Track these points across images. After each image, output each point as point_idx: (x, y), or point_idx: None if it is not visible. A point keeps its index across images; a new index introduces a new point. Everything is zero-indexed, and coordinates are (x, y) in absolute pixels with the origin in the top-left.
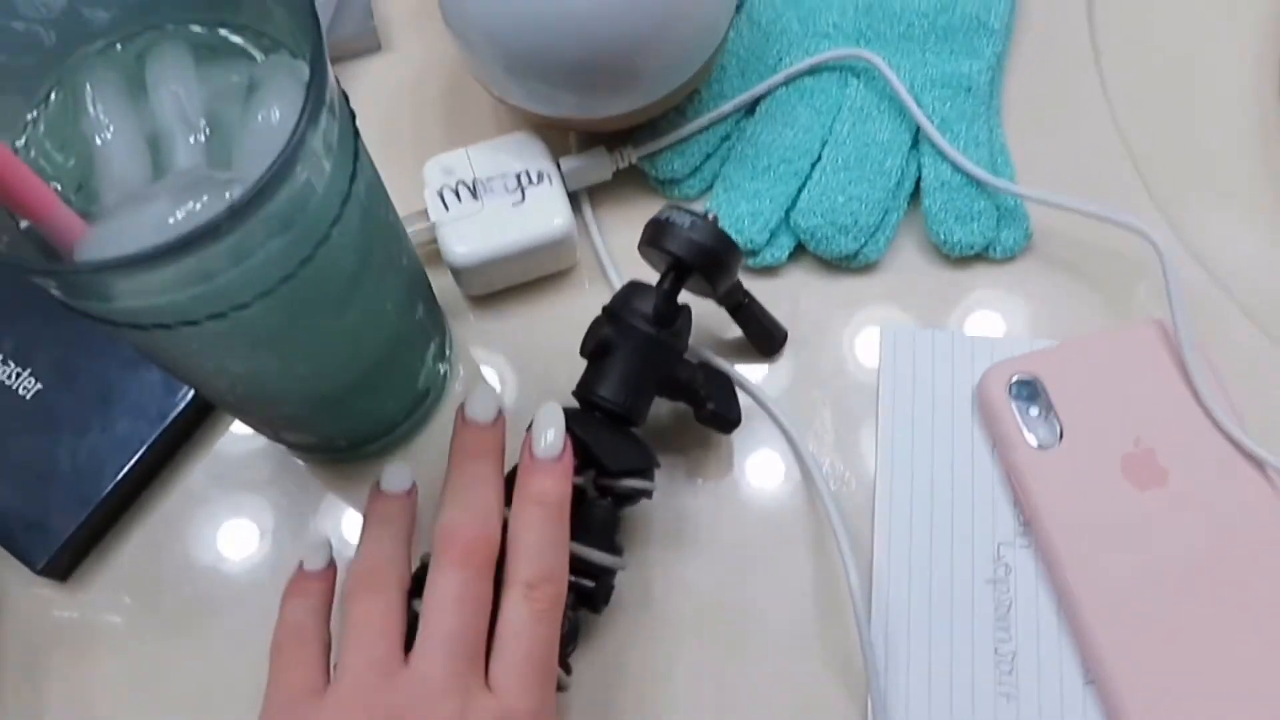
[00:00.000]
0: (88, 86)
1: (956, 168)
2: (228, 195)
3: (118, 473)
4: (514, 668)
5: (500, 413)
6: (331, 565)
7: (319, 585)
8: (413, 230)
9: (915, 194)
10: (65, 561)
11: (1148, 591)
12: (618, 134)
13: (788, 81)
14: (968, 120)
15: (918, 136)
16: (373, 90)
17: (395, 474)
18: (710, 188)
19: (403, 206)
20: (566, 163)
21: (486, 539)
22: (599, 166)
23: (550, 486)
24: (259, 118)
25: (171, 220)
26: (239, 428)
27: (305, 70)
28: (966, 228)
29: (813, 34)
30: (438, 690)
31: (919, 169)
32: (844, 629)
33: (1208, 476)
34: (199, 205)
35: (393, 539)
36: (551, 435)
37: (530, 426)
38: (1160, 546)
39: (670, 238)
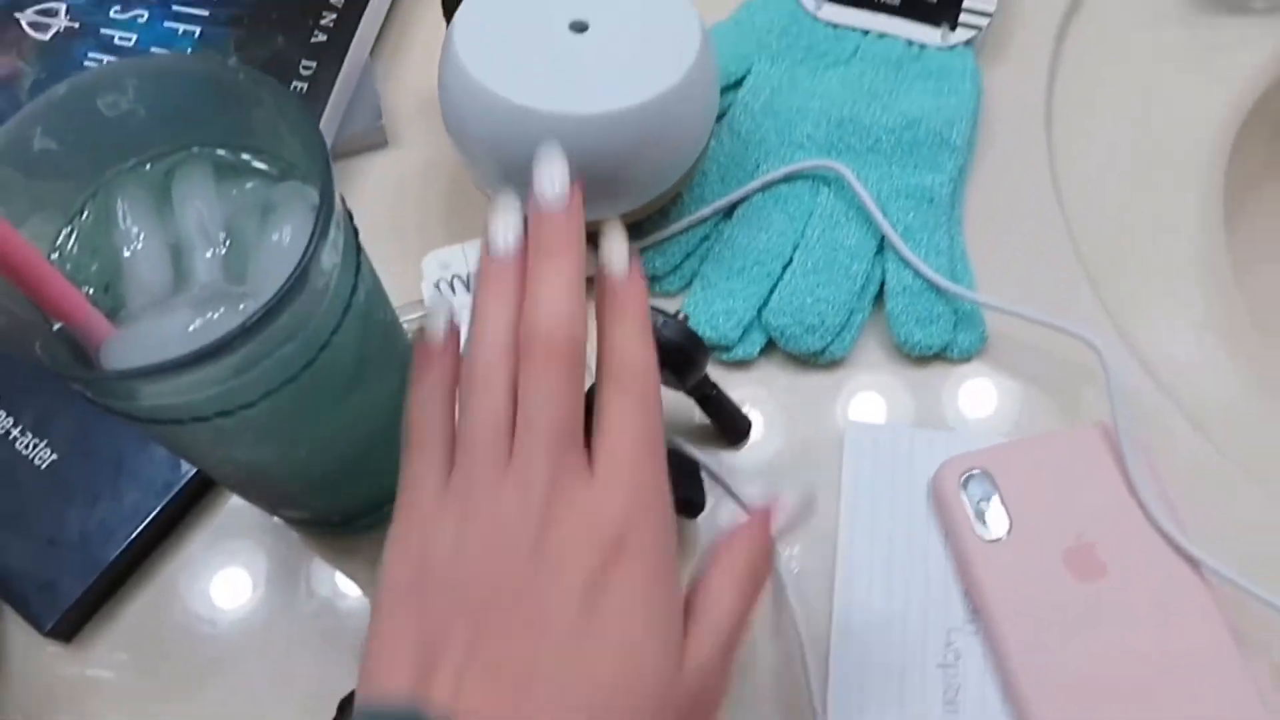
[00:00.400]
0: (120, 201)
1: (918, 274)
2: (241, 307)
3: (125, 540)
4: (621, 454)
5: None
6: (452, 333)
7: (441, 359)
8: (410, 319)
9: (880, 296)
10: (71, 623)
11: (1087, 679)
12: None
13: (764, 188)
14: (930, 229)
15: (883, 243)
16: (379, 184)
17: (500, 228)
18: (689, 284)
19: (402, 294)
20: None
21: (570, 334)
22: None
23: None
24: (273, 238)
25: (191, 328)
26: (238, 501)
27: (316, 196)
28: (926, 330)
29: (788, 144)
30: (542, 482)
31: (883, 273)
32: (799, 710)
33: (1144, 573)
34: (216, 316)
35: (503, 325)
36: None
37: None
38: (1099, 637)
39: None
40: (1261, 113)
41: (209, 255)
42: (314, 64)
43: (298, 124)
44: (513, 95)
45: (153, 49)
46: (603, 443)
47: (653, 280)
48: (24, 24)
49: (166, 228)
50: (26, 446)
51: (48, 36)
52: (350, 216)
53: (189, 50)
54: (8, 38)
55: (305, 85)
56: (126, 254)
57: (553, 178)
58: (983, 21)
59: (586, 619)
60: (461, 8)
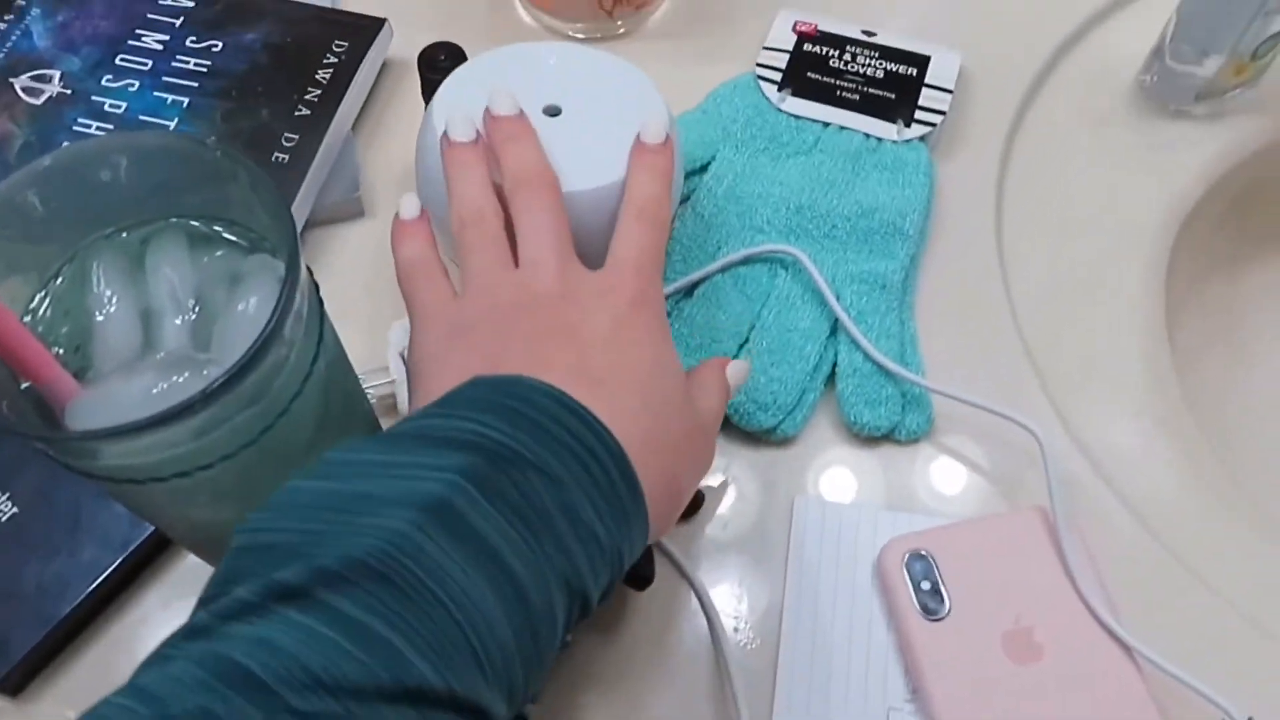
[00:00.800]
0: (95, 266)
1: (868, 357)
2: (205, 373)
3: (79, 595)
4: (629, 260)
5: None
6: (424, 213)
7: (421, 227)
8: (375, 384)
9: (831, 377)
10: (20, 676)
11: None
12: None
13: (724, 269)
14: (881, 314)
15: (836, 326)
16: (354, 253)
17: (459, 123)
18: None
19: (369, 360)
20: None
21: (549, 174)
22: None
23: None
24: (239, 307)
25: (155, 391)
26: (195, 559)
27: (283, 269)
28: (875, 411)
29: (749, 228)
30: (553, 268)
31: (835, 355)
32: None
33: (1079, 656)
34: (180, 380)
35: (479, 181)
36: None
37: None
38: (1034, 719)
39: None
40: (1203, 212)
41: (178, 322)
42: (296, 136)
43: (270, 201)
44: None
45: (141, 117)
46: (616, 250)
47: None
48: (18, 88)
49: (138, 293)
50: None
51: (40, 101)
52: (316, 288)
53: (176, 119)
54: (2, 100)
55: (286, 157)
56: (98, 317)
57: (503, 100)
58: (937, 119)
59: (617, 336)
60: (440, 89)
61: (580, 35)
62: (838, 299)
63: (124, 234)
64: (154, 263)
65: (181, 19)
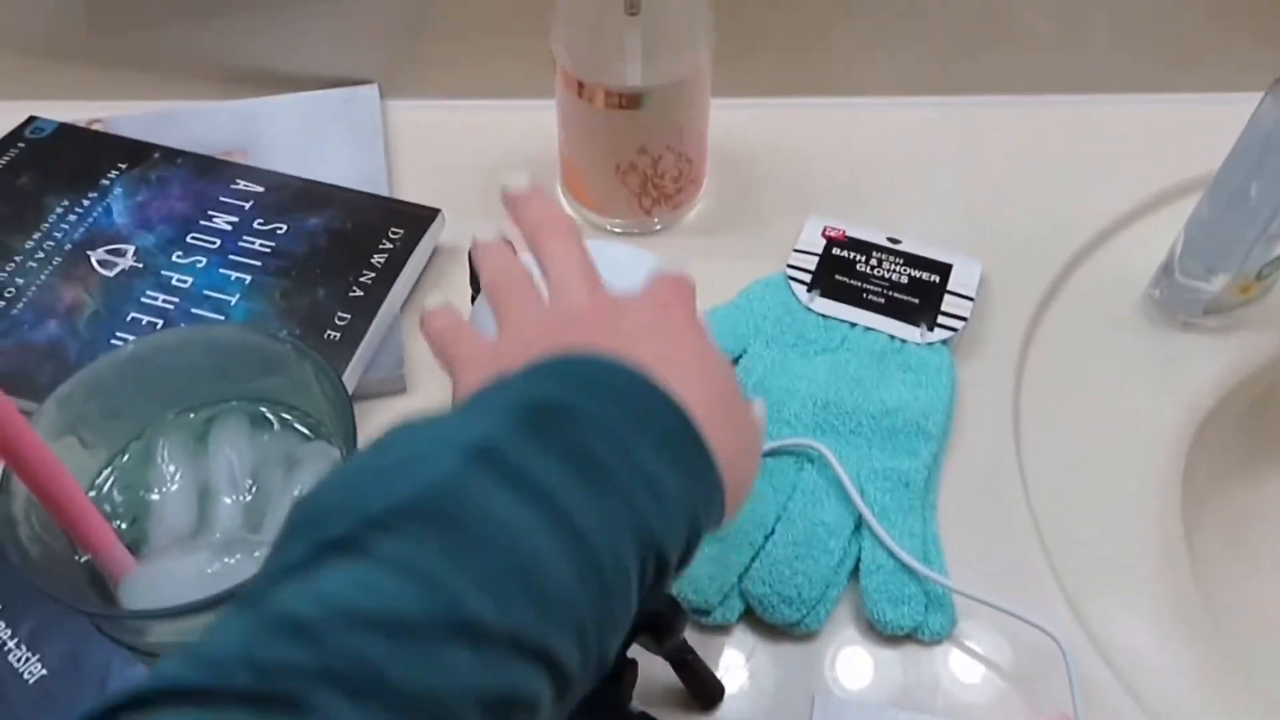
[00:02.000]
0: (161, 444)
1: (892, 554)
2: (256, 555)
3: None
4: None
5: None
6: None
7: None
8: None
9: (855, 572)
10: None
11: None
12: None
13: None
14: (904, 512)
15: (860, 522)
16: None
17: (486, 230)
18: None
19: None
20: None
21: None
22: None
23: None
24: (295, 491)
25: (210, 571)
26: None
27: (339, 455)
28: (898, 610)
29: (777, 421)
30: (583, 290)
31: (859, 551)
32: None
33: None
34: (233, 560)
35: (507, 253)
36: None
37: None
38: None
39: None
40: (1217, 419)
41: (233, 502)
42: (349, 316)
43: (332, 392)
44: None
45: (206, 292)
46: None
47: None
48: (94, 260)
49: (199, 472)
50: (19, 660)
51: (113, 274)
52: None
53: (238, 295)
54: (78, 272)
55: (338, 335)
56: (158, 494)
57: (516, 178)
58: (958, 325)
59: (663, 323)
60: None
61: (619, 231)
62: (862, 495)
63: (191, 414)
64: (215, 443)
65: (251, 203)
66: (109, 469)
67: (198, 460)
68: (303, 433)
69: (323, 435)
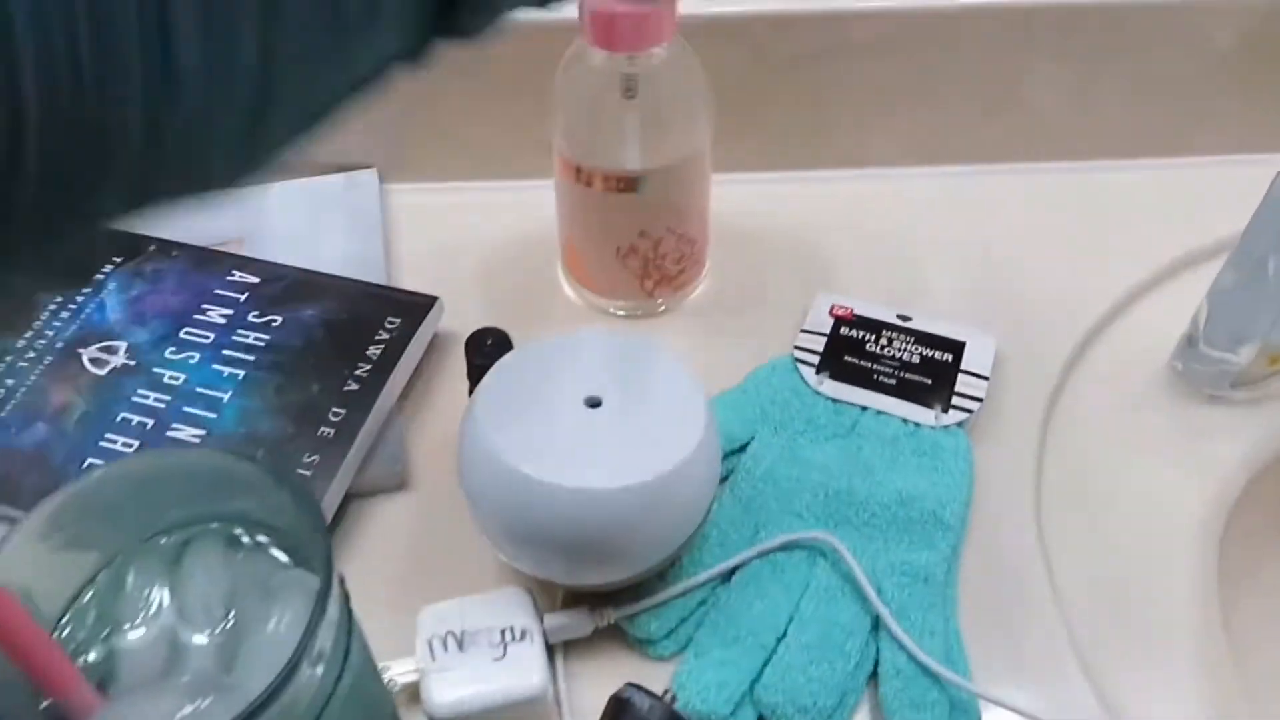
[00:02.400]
0: (131, 572)
1: (912, 657)
2: (228, 700)
3: None
4: None
5: None
6: None
7: None
8: (401, 670)
9: (874, 675)
10: None
11: None
12: (602, 594)
13: (761, 555)
14: (924, 609)
15: (877, 621)
16: (389, 527)
17: None
18: (685, 648)
19: (397, 644)
20: (550, 619)
21: None
22: (580, 624)
23: None
24: (269, 627)
25: (178, 717)
26: None
27: (315, 588)
28: (921, 717)
29: (788, 513)
30: None
31: (877, 653)
32: None
33: None
34: (204, 704)
35: None
36: None
37: None
38: None
39: (628, 719)
40: (1252, 496)
41: (206, 637)
42: (344, 410)
43: (309, 520)
44: (529, 470)
45: (199, 389)
46: None
47: (648, 644)
48: (85, 359)
49: (171, 602)
50: None
51: (104, 372)
52: (347, 598)
53: (231, 392)
54: (68, 371)
55: (333, 431)
56: (128, 627)
57: None
58: (974, 406)
59: None
60: (485, 380)
61: (622, 313)
62: (879, 592)
63: (162, 539)
64: (189, 569)
65: (246, 295)
66: (77, 599)
67: (172, 589)
68: (280, 559)
69: (301, 559)
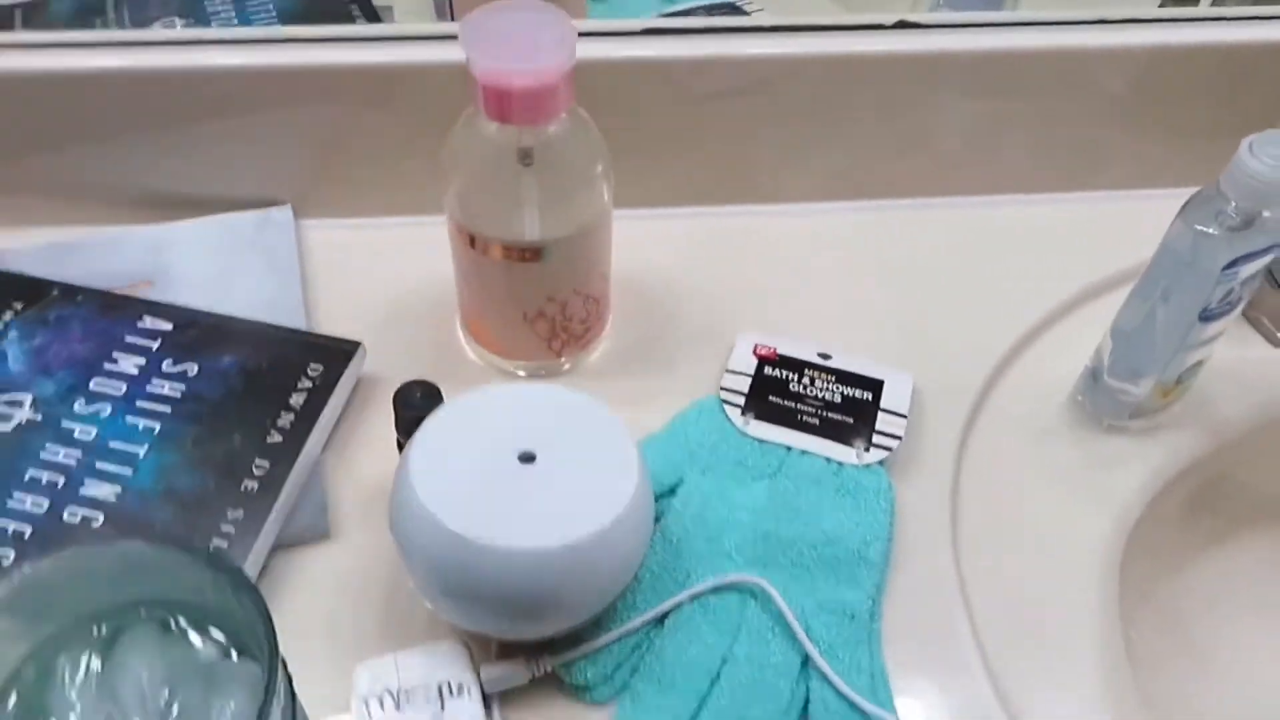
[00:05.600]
0: (61, 662)
1: (840, 694)
2: None
3: None
4: None
5: None
6: None
7: None
8: None
9: (804, 711)
10: None
11: None
12: (538, 643)
13: (693, 598)
14: (851, 646)
15: (807, 659)
16: (318, 580)
17: None
18: (620, 693)
19: (331, 704)
20: (486, 671)
21: None
22: (516, 674)
23: None
24: (212, 717)
25: None
26: None
27: (261, 677)
28: None
29: (718, 554)
30: None
31: (808, 691)
32: None
33: None
34: None
35: None
36: None
37: None
38: None
39: None
40: (1149, 519)
41: None
42: (267, 463)
43: (252, 608)
44: (465, 531)
45: (112, 444)
46: None
47: (584, 690)
48: None
49: (104, 693)
50: None
51: (10, 428)
52: (290, 681)
53: (146, 446)
54: None
55: (256, 485)
56: None
57: None
58: (893, 444)
59: None
60: (418, 434)
61: (523, 373)
62: (808, 630)
63: (93, 628)
64: (121, 660)
65: (159, 342)
66: (4, 687)
67: (106, 680)
68: (220, 643)
69: (243, 646)
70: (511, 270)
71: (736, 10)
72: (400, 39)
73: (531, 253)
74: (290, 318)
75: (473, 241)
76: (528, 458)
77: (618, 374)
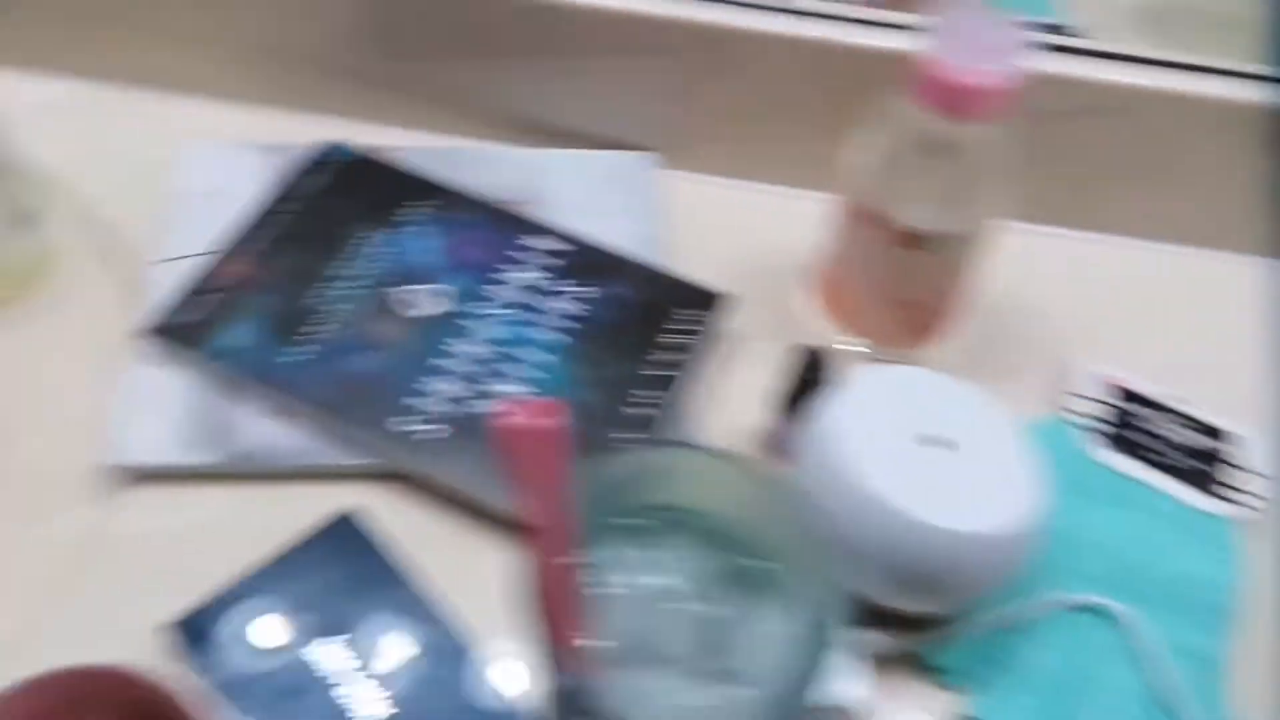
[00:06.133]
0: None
1: None
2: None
3: None
4: None
5: None
6: None
7: None
8: None
9: None
10: None
11: None
12: (903, 618)
13: (1055, 608)
14: (1203, 692)
15: (1160, 697)
16: None
17: None
18: (975, 681)
19: None
20: (867, 636)
21: None
22: (893, 644)
23: None
24: (765, 624)
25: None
26: None
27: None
28: None
29: (1075, 573)
30: None
31: None
32: None
33: None
34: (713, 693)
35: None
36: None
37: None
38: None
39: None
40: None
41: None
42: (641, 394)
43: (811, 543)
44: (888, 498)
45: (517, 349)
46: None
47: (942, 673)
48: (393, 300)
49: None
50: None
51: (415, 315)
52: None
53: (555, 356)
54: (380, 307)
55: (634, 413)
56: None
57: None
58: (1256, 503)
59: None
60: (834, 402)
61: (866, 351)
62: (1165, 671)
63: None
64: (674, 549)
65: (557, 260)
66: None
67: (657, 572)
68: (757, 560)
69: (791, 567)
70: (900, 256)
71: (1060, 31)
72: (827, 17)
73: (927, 242)
74: (651, 259)
75: (869, 221)
76: (940, 442)
77: (953, 373)
